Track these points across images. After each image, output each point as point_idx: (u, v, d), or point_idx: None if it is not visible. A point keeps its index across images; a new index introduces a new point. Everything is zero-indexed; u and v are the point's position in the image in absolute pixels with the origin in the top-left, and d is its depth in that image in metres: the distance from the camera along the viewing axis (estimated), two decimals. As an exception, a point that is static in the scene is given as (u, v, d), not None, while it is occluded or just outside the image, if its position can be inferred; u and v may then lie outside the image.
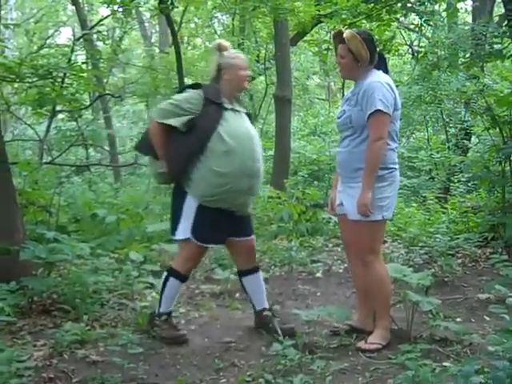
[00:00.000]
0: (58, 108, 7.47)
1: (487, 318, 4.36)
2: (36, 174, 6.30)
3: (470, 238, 6.25)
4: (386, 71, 3.98)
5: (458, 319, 4.38)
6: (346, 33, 3.88)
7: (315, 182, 9.72)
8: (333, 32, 4.14)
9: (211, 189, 3.92)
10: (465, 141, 10.76)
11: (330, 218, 7.58)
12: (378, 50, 4.00)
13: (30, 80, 6.77)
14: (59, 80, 6.82)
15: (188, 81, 13.96)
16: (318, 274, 5.94)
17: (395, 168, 3.87)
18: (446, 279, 5.44)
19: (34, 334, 4.11)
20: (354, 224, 3.86)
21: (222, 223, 4.02)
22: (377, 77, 3.84)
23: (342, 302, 4.96)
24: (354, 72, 3.91)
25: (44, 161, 7.53)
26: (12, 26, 9.51)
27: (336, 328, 4.09)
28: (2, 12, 12.81)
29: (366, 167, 3.74)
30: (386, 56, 11.21)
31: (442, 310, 4.33)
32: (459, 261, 6.04)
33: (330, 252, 6.79)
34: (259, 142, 4.14)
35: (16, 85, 7.16)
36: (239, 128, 4.03)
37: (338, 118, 4.02)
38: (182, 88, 4.31)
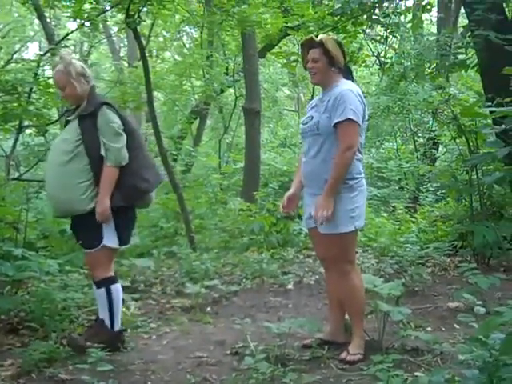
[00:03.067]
0: (25, 123, 7.38)
1: (457, 327, 4.39)
2: (3, 190, 6.21)
3: (440, 246, 6.30)
4: (353, 81, 4.00)
5: (429, 328, 4.40)
6: (322, 36, 3.91)
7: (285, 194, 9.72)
8: (301, 40, 4.13)
9: None
10: (433, 150, 10.90)
11: (301, 230, 7.59)
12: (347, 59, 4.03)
13: (-4, 96, 6.70)
14: (25, 95, 6.75)
15: (157, 94, 13.98)
16: (290, 286, 5.94)
17: (362, 177, 3.88)
18: (416, 288, 5.48)
19: (1, 354, 4.05)
20: (326, 237, 3.84)
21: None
22: (348, 85, 3.84)
23: (314, 314, 4.96)
24: (327, 76, 3.89)
25: (11, 177, 7.42)
26: (-23, 42, 9.36)
27: (308, 341, 4.07)
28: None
29: (332, 175, 3.70)
30: (353, 67, 11.34)
31: (412, 320, 4.36)
32: (429, 270, 6.10)
33: (301, 264, 6.78)
34: (57, 149, 4.14)
35: (-19, 100, 7.07)
36: (55, 141, 4.41)
37: (304, 123, 3.98)
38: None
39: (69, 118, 4.23)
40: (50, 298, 4.61)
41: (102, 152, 4.00)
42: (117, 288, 4.16)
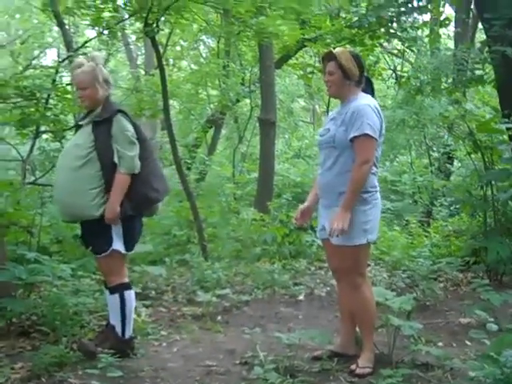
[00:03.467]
0: (42, 129, 7.43)
1: (468, 343, 4.37)
2: (18, 195, 6.24)
3: (452, 262, 6.25)
4: (373, 95, 4.00)
5: (440, 344, 4.38)
6: (337, 49, 3.93)
7: (299, 205, 9.70)
8: (322, 53, 4.16)
9: None
10: (447, 165, 10.86)
11: (314, 241, 7.58)
12: (365, 73, 4.02)
13: (14, 101, 6.75)
14: (43, 101, 6.80)
15: (173, 103, 14.02)
16: (301, 297, 5.93)
17: (376, 190, 3.88)
18: (427, 303, 5.46)
19: (11, 357, 4.07)
20: (338, 249, 3.84)
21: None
22: (366, 100, 3.85)
23: (325, 326, 4.94)
24: (342, 89, 3.90)
25: (27, 181, 7.46)
26: (-3, 47, 9.47)
27: (318, 353, 4.06)
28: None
29: (349, 189, 3.71)
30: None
31: (423, 335, 4.32)
32: (441, 285, 6.07)
33: (312, 275, 6.78)
34: (69, 154, 4.15)
35: (0, 105, 7.13)
36: (66, 145, 4.43)
37: (321, 135, 3.99)
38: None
39: (81, 123, 4.26)
40: (61, 302, 4.64)
41: (115, 159, 4.01)
42: (130, 294, 4.17)
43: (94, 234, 4.09)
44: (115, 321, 4.13)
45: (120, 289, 4.11)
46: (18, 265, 4.51)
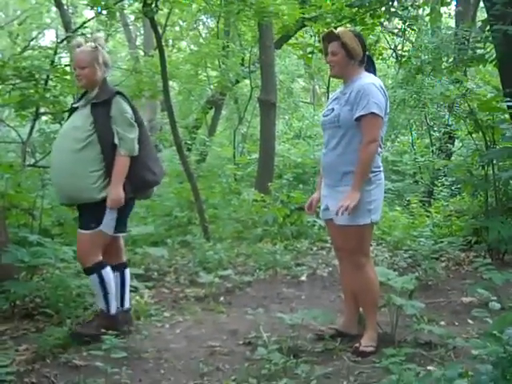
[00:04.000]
0: (42, 110, 7.40)
1: (471, 322, 4.38)
2: (19, 177, 6.24)
3: (454, 241, 6.27)
4: (375, 74, 3.98)
5: (442, 323, 4.39)
6: (339, 29, 3.90)
7: (300, 186, 9.72)
8: (322, 33, 4.12)
9: None
10: (448, 145, 10.84)
11: (315, 222, 7.59)
12: (367, 52, 3.99)
13: (13, 82, 6.73)
14: (42, 82, 6.78)
15: (173, 84, 13.96)
16: (303, 278, 5.95)
17: (380, 171, 3.87)
18: (429, 283, 5.47)
19: (16, 339, 4.08)
20: (342, 229, 3.84)
21: None
22: (370, 78, 3.83)
23: (327, 306, 4.96)
24: (346, 69, 3.88)
25: (27, 163, 7.46)
26: (-5, 28, 9.42)
27: (321, 332, 4.08)
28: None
29: (358, 169, 3.70)
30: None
31: (425, 314, 4.34)
32: (443, 264, 6.08)
33: (314, 255, 6.79)
34: (68, 136, 4.09)
35: (-1, 87, 7.11)
36: (63, 127, 4.36)
37: (325, 115, 3.97)
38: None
39: (76, 105, 4.22)
40: (64, 284, 4.65)
41: (116, 141, 4.00)
42: (107, 271, 4.11)
43: (88, 213, 4.06)
44: (99, 301, 4.13)
45: (97, 268, 4.06)
46: (20, 247, 4.51)
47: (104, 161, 4.01)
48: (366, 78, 3.82)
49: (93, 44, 4.14)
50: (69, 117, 4.27)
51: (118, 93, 4.11)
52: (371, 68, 3.97)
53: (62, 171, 4.04)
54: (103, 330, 3.72)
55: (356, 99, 3.73)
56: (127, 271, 4.36)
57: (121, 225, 4.18)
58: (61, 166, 4.07)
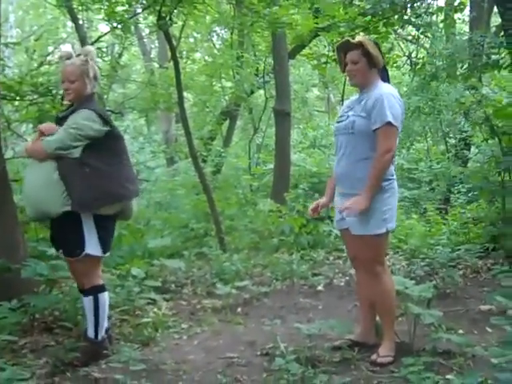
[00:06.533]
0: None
1: (489, 330, 4.35)
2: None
3: (471, 249, 6.23)
4: (388, 83, 3.98)
5: (461, 331, 4.36)
6: (360, 37, 3.89)
7: (316, 195, 9.69)
8: (336, 44, 4.11)
9: None
10: (464, 151, 10.78)
11: (331, 231, 7.59)
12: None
13: (31, 98, 6.81)
14: (59, 97, 6.85)
15: (188, 95, 14.04)
16: (320, 288, 5.94)
17: (393, 179, 3.87)
18: (447, 291, 5.44)
19: (35, 352, 4.11)
20: (357, 238, 3.84)
21: None
22: (387, 88, 3.83)
23: (344, 316, 4.95)
24: (367, 77, 3.86)
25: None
26: (12, 45, 9.52)
27: (338, 343, 4.07)
28: (2, 29, 12.84)
29: (371, 178, 3.69)
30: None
31: (443, 322, 4.31)
32: (460, 272, 6.04)
33: (331, 265, 6.79)
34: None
35: (17, 102, 7.19)
36: None
37: (338, 122, 3.97)
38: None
39: (60, 116, 4.05)
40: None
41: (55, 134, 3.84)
42: (104, 296, 4.01)
43: (64, 235, 3.90)
44: (89, 322, 4.00)
45: (93, 291, 3.96)
46: (39, 261, 4.56)
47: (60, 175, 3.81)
48: (384, 88, 3.81)
49: (82, 57, 3.98)
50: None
51: (94, 110, 3.89)
52: (385, 76, 3.97)
53: (33, 182, 3.86)
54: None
55: (373, 108, 3.72)
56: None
57: (106, 245, 3.98)
58: (31, 176, 3.90)
